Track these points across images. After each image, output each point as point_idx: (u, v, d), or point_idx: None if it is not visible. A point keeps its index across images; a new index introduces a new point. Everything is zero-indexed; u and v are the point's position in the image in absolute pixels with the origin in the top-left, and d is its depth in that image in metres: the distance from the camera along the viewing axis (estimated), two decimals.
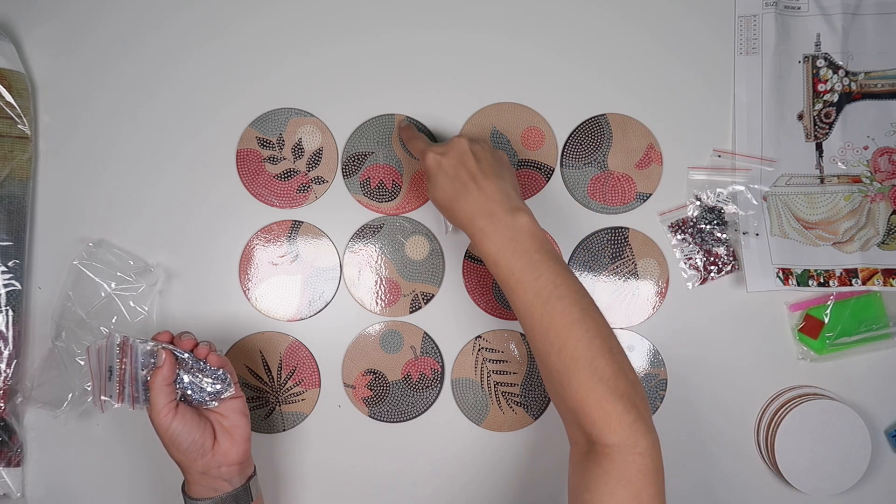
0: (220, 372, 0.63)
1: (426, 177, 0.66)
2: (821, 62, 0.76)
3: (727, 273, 0.76)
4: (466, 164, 0.63)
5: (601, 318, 0.58)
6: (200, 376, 0.62)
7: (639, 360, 0.76)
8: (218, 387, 0.63)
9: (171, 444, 0.61)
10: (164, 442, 0.61)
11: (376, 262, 0.76)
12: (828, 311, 0.75)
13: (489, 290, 0.76)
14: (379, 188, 0.77)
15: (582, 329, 0.56)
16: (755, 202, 0.75)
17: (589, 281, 0.76)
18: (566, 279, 0.58)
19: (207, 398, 0.63)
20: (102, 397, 0.62)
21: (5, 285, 0.73)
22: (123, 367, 0.61)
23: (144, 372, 0.61)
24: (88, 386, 0.72)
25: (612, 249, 0.76)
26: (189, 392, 0.62)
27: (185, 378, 0.62)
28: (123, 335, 0.61)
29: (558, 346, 0.56)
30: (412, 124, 0.76)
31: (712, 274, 0.76)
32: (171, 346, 0.62)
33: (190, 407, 0.63)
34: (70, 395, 0.72)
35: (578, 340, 0.56)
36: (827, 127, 0.76)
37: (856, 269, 0.74)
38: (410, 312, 0.76)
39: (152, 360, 0.61)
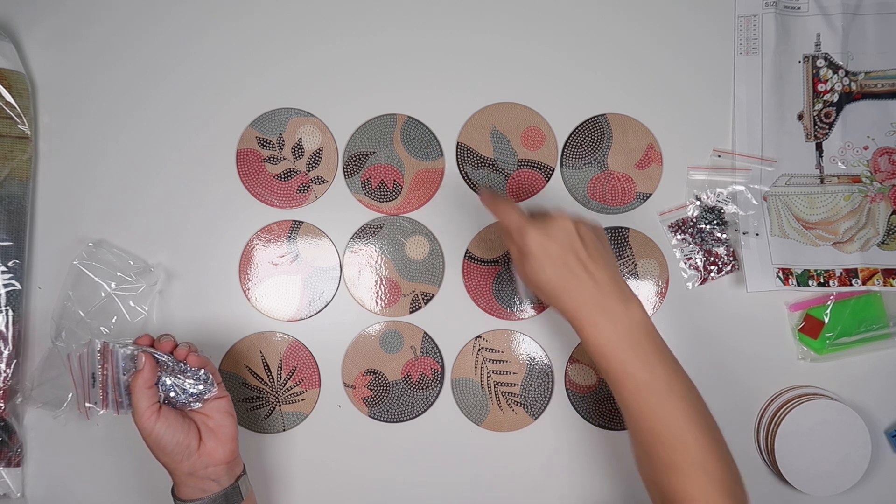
0: (202, 372, 0.63)
1: (524, 254, 0.61)
2: (821, 62, 0.76)
3: (727, 273, 0.76)
4: (575, 250, 0.60)
5: (707, 411, 0.59)
6: (182, 378, 0.62)
7: None
8: (200, 387, 0.63)
9: (155, 447, 0.61)
10: (149, 445, 0.61)
11: (376, 262, 0.76)
12: (828, 311, 0.75)
13: (489, 290, 0.76)
14: (380, 188, 0.77)
15: (695, 426, 0.57)
16: (755, 202, 0.75)
17: None
18: (679, 374, 0.59)
19: (190, 399, 0.63)
20: (87, 404, 0.62)
21: (5, 285, 0.73)
22: (105, 372, 0.61)
23: (126, 377, 0.61)
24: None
25: (612, 249, 0.76)
26: (172, 394, 0.62)
27: (167, 380, 0.62)
28: (103, 341, 0.61)
29: (669, 441, 0.57)
30: (491, 189, 0.75)
31: (712, 274, 0.76)
32: (150, 350, 0.62)
33: (174, 409, 0.63)
34: (70, 395, 0.72)
35: (693, 439, 0.56)
36: (827, 127, 0.76)
37: (856, 269, 0.74)
38: (410, 312, 0.76)
39: (133, 365, 0.61)
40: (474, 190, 0.77)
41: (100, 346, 0.61)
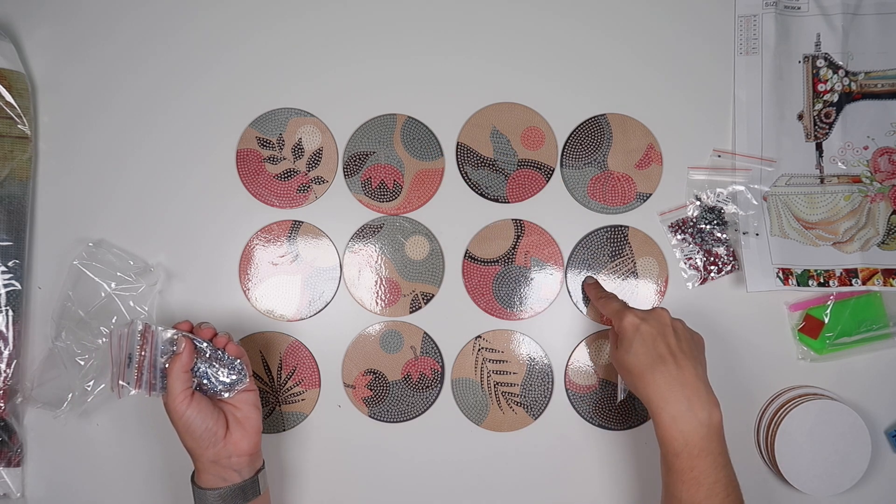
0: (237, 362, 0.64)
1: (618, 337, 0.65)
2: (821, 62, 0.76)
3: (727, 273, 0.76)
4: (666, 337, 0.63)
5: None
6: (217, 366, 0.64)
7: None
8: (234, 377, 0.64)
9: (184, 431, 0.62)
10: (178, 428, 0.62)
11: (376, 262, 0.76)
12: (828, 311, 0.75)
13: (489, 290, 0.76)
14: (380, 188, 0.77)
15: None
16: (755, 202, 0.75)
17: None
18: (735, 480, 0.61)
19: (222, 388, 0.64)
20: (120, 382, 0.62)
21: (5, 285, 0.73)
22: (143, 354, 0.62)
23: (163, 360, 0.62)
24: (89, 386, 0.72)
25: (612, 247, 0.76)
26: (205, 381, 0.64)
27: (202, 367, 0.63)
28: (145, 322, 0.62)
29: None
30: (597, 281, 0.75)
31: (712, 274, 0.76)
32: (191, 335, 0.63)
33: (205, 396, 0.64)
34: (70, 395, 0.72)
35: None
36: (827, 127, 0.76)
37: (856, 269, 0.74)
38: (410, 312, 0.76)
39: (172, 348, 0.62)
40: (474, 190, 0.77)
41: (141, 326, 0.62)
